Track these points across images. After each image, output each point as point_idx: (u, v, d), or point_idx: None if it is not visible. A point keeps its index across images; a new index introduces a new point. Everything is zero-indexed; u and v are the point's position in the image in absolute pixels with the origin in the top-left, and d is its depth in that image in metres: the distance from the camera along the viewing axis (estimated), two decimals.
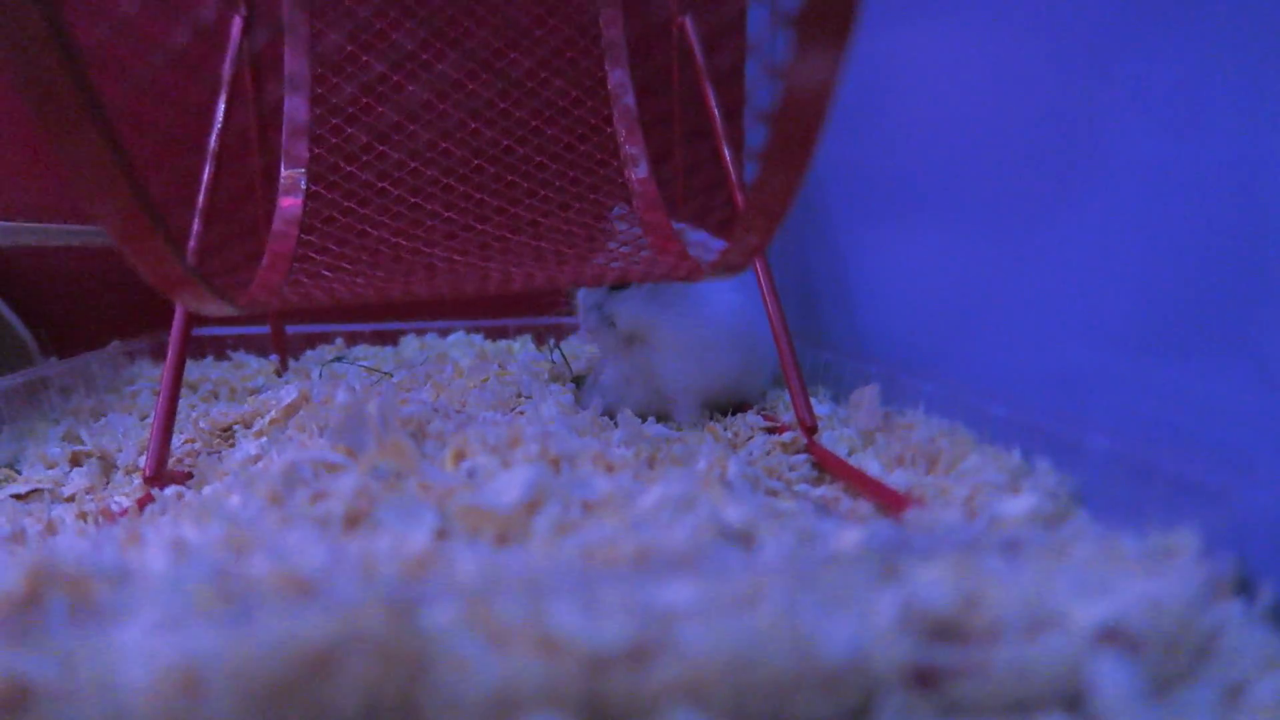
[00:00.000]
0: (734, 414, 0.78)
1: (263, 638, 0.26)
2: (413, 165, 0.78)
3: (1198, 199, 0.50)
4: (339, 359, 1.05)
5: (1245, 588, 0.35)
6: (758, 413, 0.76)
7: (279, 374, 1.00)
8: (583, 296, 0.76)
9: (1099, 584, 0.32)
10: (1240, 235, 0.47)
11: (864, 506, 0.54)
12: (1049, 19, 0.63)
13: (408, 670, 0.27)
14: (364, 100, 0.82)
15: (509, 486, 0.43)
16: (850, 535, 0.36)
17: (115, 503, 0.59)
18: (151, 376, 0.97)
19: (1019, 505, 0.44)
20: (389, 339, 1.18)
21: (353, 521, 0.42)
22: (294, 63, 0.80)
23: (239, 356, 1.08)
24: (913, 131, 0.82)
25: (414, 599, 0.28)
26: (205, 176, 0.69)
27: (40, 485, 0.62)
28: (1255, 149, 0.46)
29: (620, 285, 0.73)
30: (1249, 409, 0.46)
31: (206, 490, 0.57)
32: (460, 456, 0.51)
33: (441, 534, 0.41)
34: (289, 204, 0.72)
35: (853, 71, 0.35)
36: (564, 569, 0.33)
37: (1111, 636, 0.30)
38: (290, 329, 1.13)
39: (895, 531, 0.39)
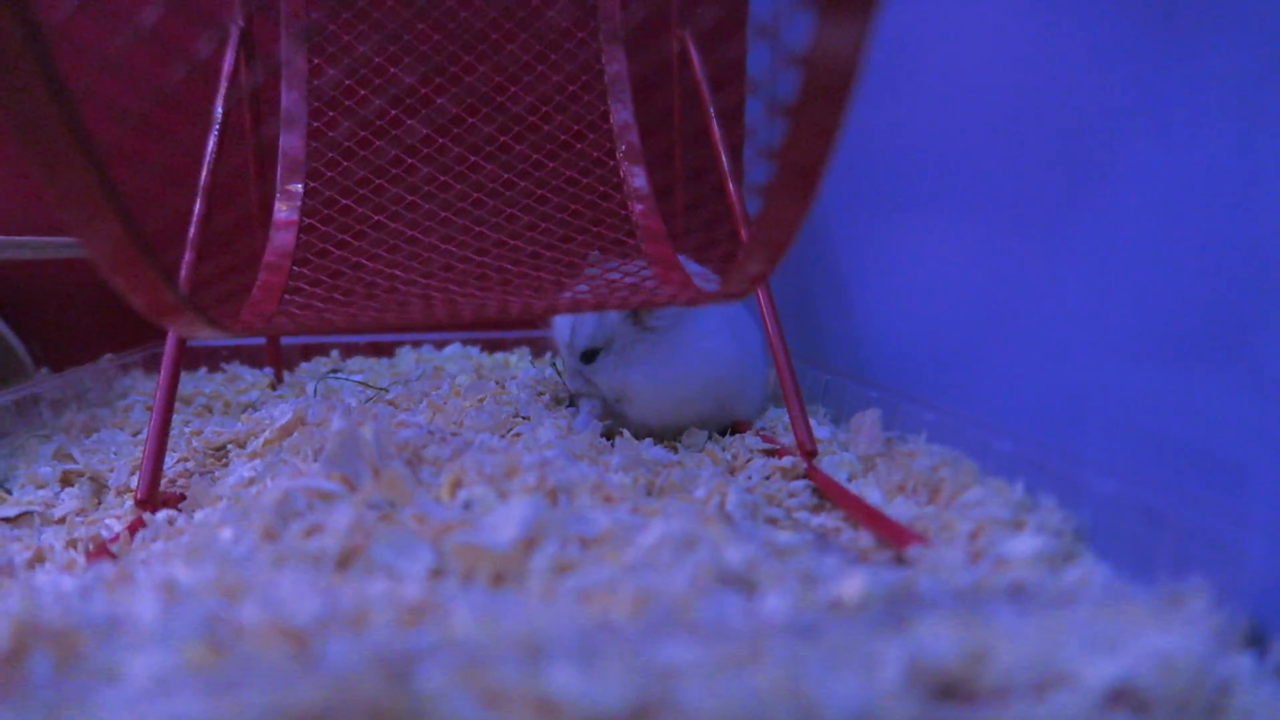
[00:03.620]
0: (732, 434, 0.77)
1: (253, 702, 0.25)
2: (410, 199, 0.78)
3: (1197, 210, 0.49)
4: (335, 372, 1.04)
5: (1256, 640, 0.35)
6: (756, 434, 0.76)
7: (273, 387, 0.99)
8: (564, 362, 0.79)
9: (1108, 639, 0.31)
10: (1239, 246, 0.47)
11: (865, 538, 0.53)
12: (1047, 32, 0.63)
13: None
14: (362, 135, 0.82)
15: (506, 523, 0.42)
16: (853, 582, 0.36)
17: (106, 527, 0.58)
18: (144, 390, 0.96)
19: (1024, 546, 0.43)
20: (385, 351, 1.17)
21: (347, 559, 0.41)
22: (290, 99, 0.79)
23: (233, 369, 1.07)
24: (915, 148, 0.82)
25: (408, 657, 0.27)
26: (197, 207, 0.69)
27: (30, 508, 0.61)
28: (1255, 160, 0.46)
29: (590, 356, 0.76)
30: (1247, 419, 0.46)
31: (198, 516, 0.57)
32: (457, 485, 0.50)
33: (437, 572, 0.40)
34: (282, 236, 0.71)
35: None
36: (562, 622, 0.32)
37: (1121, 697, 0.29)
38: (286, 340, 1.12)
39: (898, 576, 0.38)
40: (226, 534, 0.44)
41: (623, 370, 0.75)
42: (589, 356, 0.76)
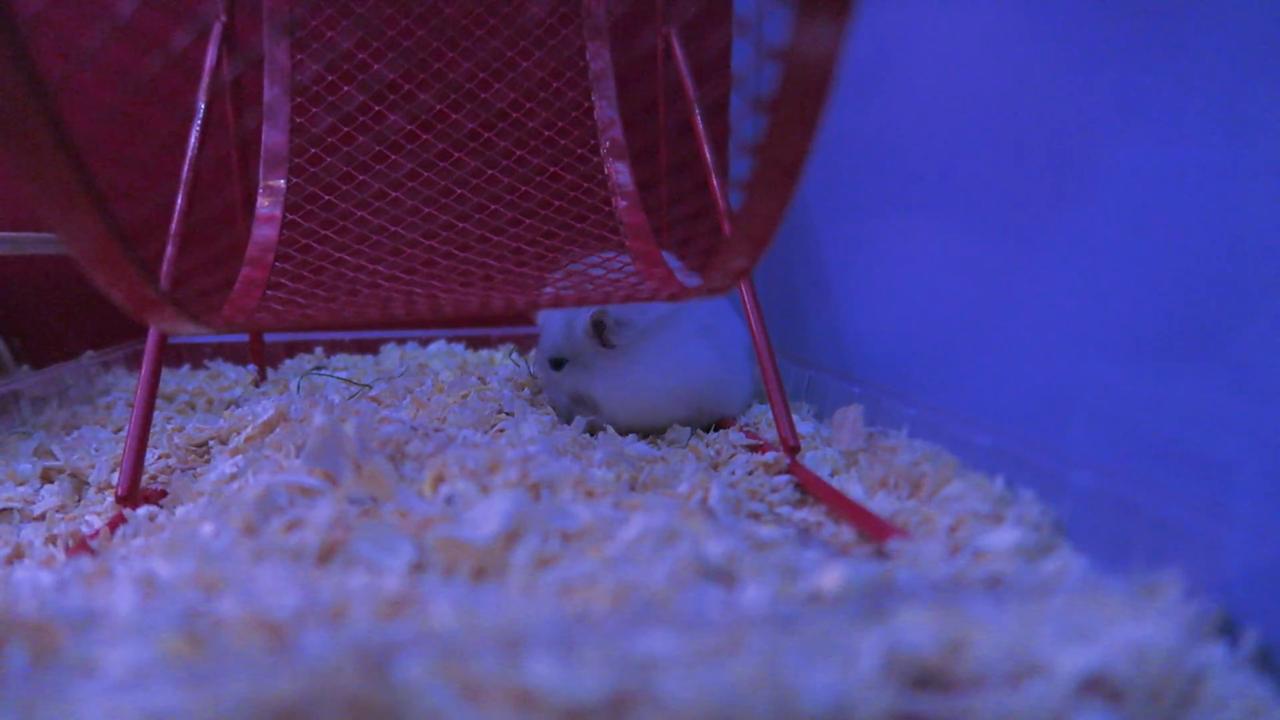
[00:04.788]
0: (716, 430, 0.77)
1: (230, 693, 0.25)
2: (393, 195, 0.78)
3: (1177, 208, 0.50)
4: (318, 369, 1.04)
5: (1228, 630, 0.35)
6: (740, 429, 0.76)
7: (257, 384, 0.99)
8: (534, 364, 0.82)
9: (1083, 629, 0.32)
10: (1219, 244, 0.47)
11: (847, 532, 0.54)
12: (1029, 33, 0.63)
13: None
14: (344, 130, 0.82)
15: (487, 517, 0.42)
16: (833, 574, 0.36)
17: (86, 523, 0.58)
18: (126, 387, 0.95)
19: (1003, 539, 0.44)
20: (369, 348, 1.17)
21: (328, 553, 0.41)
22: (272, 93, 0.79)
23: (216, 365, 1.06)
24: (898, 147, 0.82)
25: (387, 649, 0.27)
26: (179, 201, 0.68)
27: (10, 504, 0.61)
28: (1235, 159, 0.46)
29: (558, 364, 0.78)
30: (1227, 415, 0.46)
31: (180, 512, 0.57)
32: (439, 481, 0.50)
33: (418, 566, 0.40)
34: (264, 230, 0.71)
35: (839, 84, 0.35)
36: (541, 614, 0.32)
37: (1095, 686, 0.29)
38: (269, 337, 1.11)
39: (878, 568, 0.38)
40: (207, 529, 0.43)
41: (586, 379, 0.77)
42: (556, 364, 0.78)
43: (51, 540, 0.54)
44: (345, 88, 0.83)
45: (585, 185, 0.84)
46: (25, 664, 0.27)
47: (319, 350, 1.15)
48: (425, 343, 1.18)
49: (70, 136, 0.33)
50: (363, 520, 0.43)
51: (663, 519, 0.42)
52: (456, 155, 0.83)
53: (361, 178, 0.79)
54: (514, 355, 1.09)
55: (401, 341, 1.18)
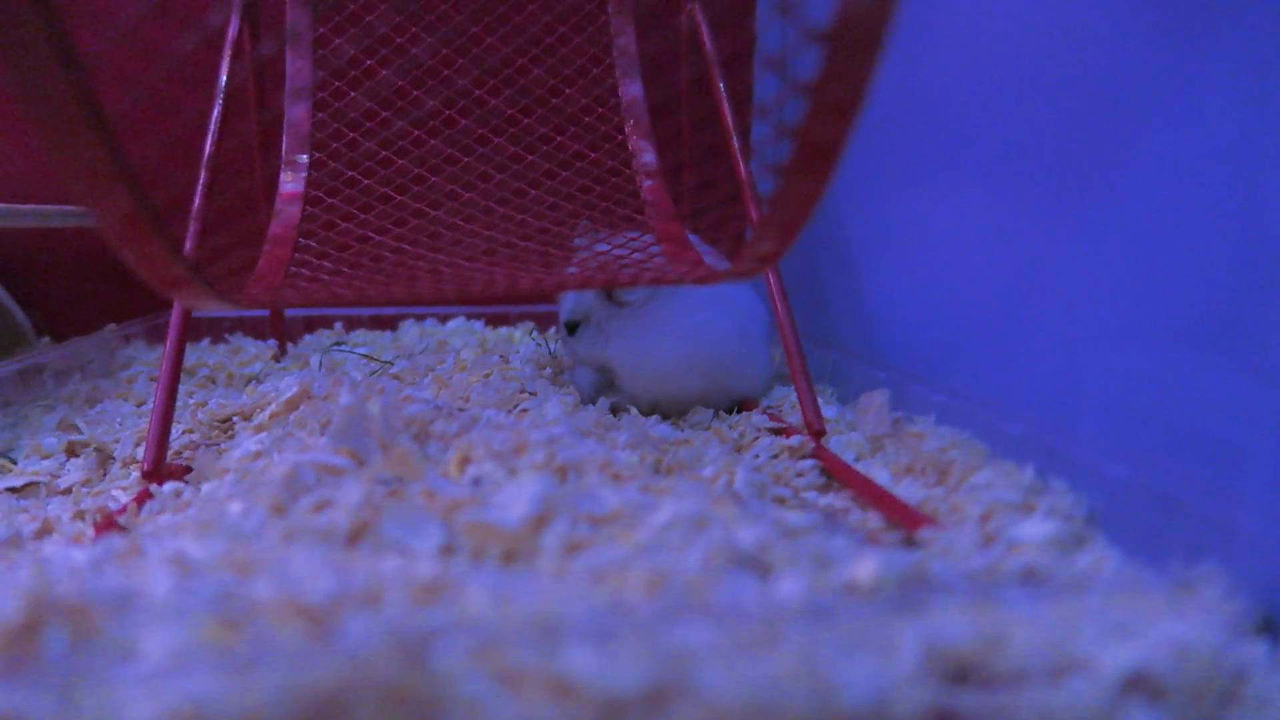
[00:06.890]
0: (739, 412, 0.77)
1: (270, 680, 0.25)
2: (417, 172, 0.77)
3: (1207, 195, 0.49)
4: (338, 344, 1.04)
5: (1268, 627, 0.35)
6: (763, 412, 0.76)
7: (277, 360, 0.99)
8: (558, 345, 0.84)
9: (1124, 625, 0.31)
10: (1247, 232, 0.46)
11: (874, 518, 0.53)
12: (1066, 8, 0.62)
13: (419, 714, 0.26)
14: (376, 110, 0.81)
15: (516, 500, 0.42)
16: (867, 565, 0.36)
17: (112, 498, 0.58)
18: (147, 361, 0.95)
19: (1036, 530, 0.43)
20: (388, 324, 1.17)
21: (357, 535, 0.41)
22: (297, 69, 0.79)
23: (236, 340, 1.06)
24: (927, 127, 0.81)
25: (425, 637, 0.27)
26: (201, 178, 0.68)
27: (36, 478, 0.61)
28: (1264, 147, 0.45)
29: (571, 329, 0.79)
30: (1247, 403, 0.45)
31: (206, 489, 0.57)
32: (465, 462, 0.50)
33: (448, 549, 0.40)
34: (289, 208, 0.71)
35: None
36: (576, 603, 0.32)
37: (1137, 684, 0.29)
38: (289, 312, 1.11)
39: (911, 559, 0.38)
40: (235, 508, 0.43)
41: (601, 344, 0.77)
42: (570, 329, 0.79)
43: (80, 515, 0.54)
44: (368, 61, 0.82)
45: (610, 164, 0.83)
46: (64, 646, 0.27)
47: (338, 326, 1.15)
48: (444, 319, 1.18)
49: (104, 115, 0.33)
50: (390, 501, 0.43)
51: (692, 505, 0.42)
52: (480, 132, 0.82)
53: (385, 154, 0.79)
54: (534, 334, 1.08)
55: (420, 318, 1.18)
